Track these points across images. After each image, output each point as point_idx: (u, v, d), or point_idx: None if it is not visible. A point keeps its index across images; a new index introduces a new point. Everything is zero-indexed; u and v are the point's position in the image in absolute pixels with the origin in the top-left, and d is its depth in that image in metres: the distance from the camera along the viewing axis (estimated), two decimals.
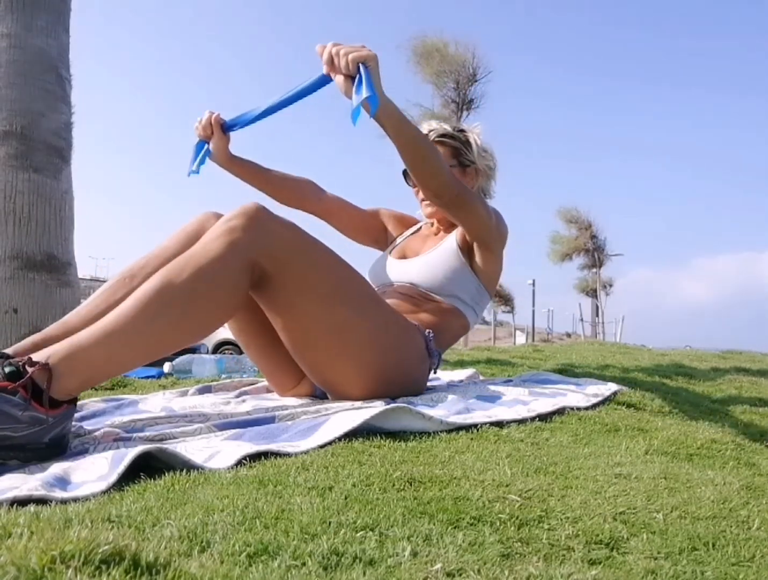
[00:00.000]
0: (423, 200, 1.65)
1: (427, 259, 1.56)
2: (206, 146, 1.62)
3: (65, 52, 2.93)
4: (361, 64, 1.16)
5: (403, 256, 1.66)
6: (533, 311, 23.33)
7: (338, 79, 1.20)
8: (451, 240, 1.56)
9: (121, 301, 1.03)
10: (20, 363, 0.88)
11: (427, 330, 1.43)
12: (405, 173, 1.65)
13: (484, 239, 1.51)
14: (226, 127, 1.59)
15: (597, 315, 24.29)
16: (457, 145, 1.60)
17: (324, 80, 1.27)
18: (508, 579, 0.49)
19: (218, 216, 1.30)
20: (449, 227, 1.66)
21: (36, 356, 0.91)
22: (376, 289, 1.61)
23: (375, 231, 1.83)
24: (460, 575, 0.50)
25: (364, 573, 0.49)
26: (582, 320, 24.49)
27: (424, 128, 1.62)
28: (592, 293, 24.66)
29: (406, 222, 1.83)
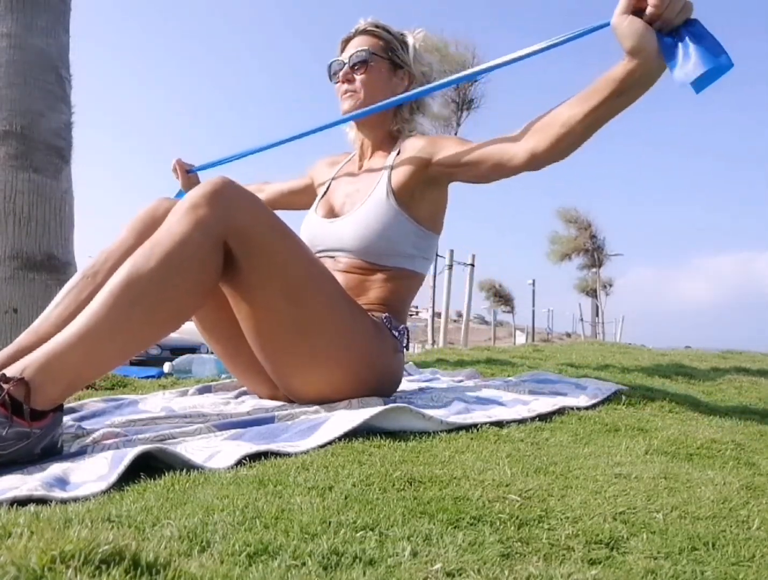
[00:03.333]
0: (344, 94, 1.48)
1: (357, 220, 1.38)
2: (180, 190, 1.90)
3: (65, 52, 2.93)
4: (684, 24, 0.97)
5: (330, 212, 1.50)
6: (533, 311, 23.37)
7: (634, 20, 1.02)
8: (381, 187, 1.39)
9: (88, 299, 0.98)
10: None
11: (384, 315, 1.34)
12: (330, 67, 1.52)
13: (473, 181, 1.36)
14: (192, 170, 1.87)
15: (597, 315, 24.32)
16: (390, 39, 1.47)
17: (602, 25, 1.09)
18: (508, 579, 0.49)
19: (170, 200, 1.28)
20: (378, 144, 1.51)
21: (10, 371, 0.87)
22: None
23: (313, 196, 1.67)
24: (460, 575, 0.50)
25: (364, 573, 0.49)
26: (582, 319, 24.52)
27: (360, 23, 1.49)
28: (592, 293, 24.69)
29: (333, 161, 1.67)
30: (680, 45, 0.97)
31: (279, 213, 1.18)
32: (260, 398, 1.43)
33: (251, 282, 1.11)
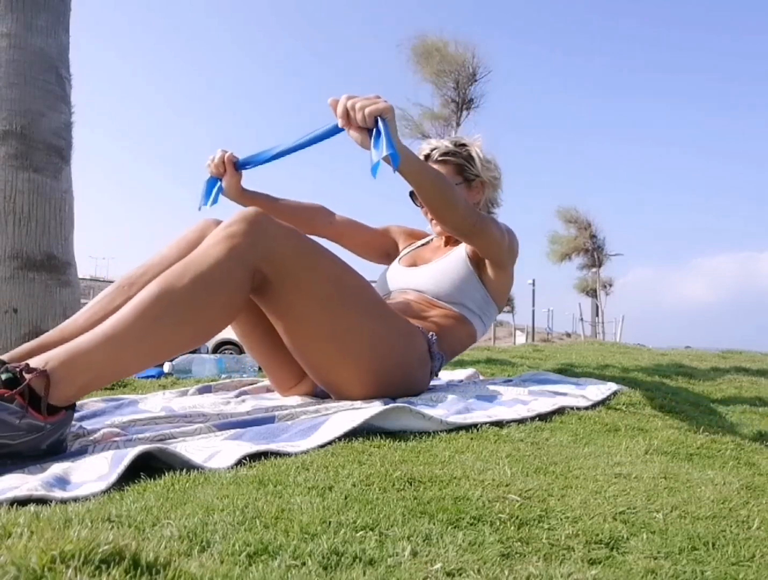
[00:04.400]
0: (432, 220, 1.66)
1: (436, 267, 1.58)
2: (219, 183, 1.63)
3: (65, 51, 2.93)
4: (378, 118, 1.15)
5: (413, 265, 1.68)
6: (533, 311, 23.37)
7: (353, 133, 1.19)
8: (461, 250, 1.58)
9: (119, 307, 1.02)
10: (17, 370, 0.87)
11: (431, 332, 1.44)
12: (412, 194, 1.66)
13: (497, 260, 1.53)
14: (238, 166, 1.61)
15: (597, 315, 24.31)
16: (461, 161, 1.61)
17: (338, 130, 1.26)
18: (508, 579, 0.49)
19: (218, 223, 1.30)
20: (458, 241, 1.67)
21: (33, 362, 0.90)
22: (383, 295, 1.62)
23: (386, 248, 1.85)
24: (460, 574, 0.50)
25: (364, 573, 0.49)
26: (582, 319, 24.51)
27: (425, 149, 1.63)
28: (592, 293, 24.68)
29: (416, 236, 1.87)
30: (372, 141, 1.16)
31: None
32: (281, 393, 1.52)
33: (286, 301, 1.19)
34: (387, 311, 1.34)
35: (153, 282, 1.03)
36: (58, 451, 0.91)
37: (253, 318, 1.38)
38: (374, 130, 1.16)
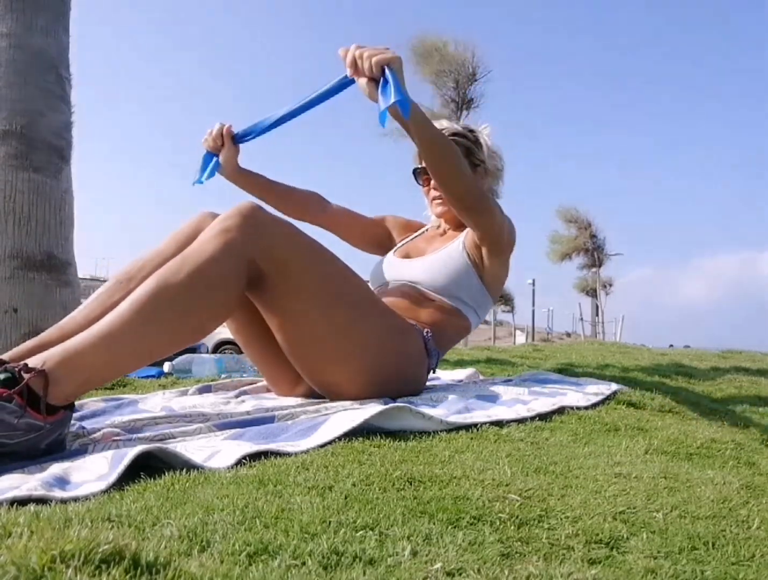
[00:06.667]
0: (434, 199, 1.65)
1: (432, 259, 1.55)
2: (215, 159, 1.60)
3: (65, 51, 2.93)
4: (386, 67, 1.16)
5: (407, 256, 1.66)
6: (533, 311, 23.38)
7: (361, 82, 1.20)
8: (458, 242, 1.56)
9: (117, 304, 1.02)
10: (16, 369, 0.87)
11: (426, 329, 1.43)
12: (415, 172, 1.66)
13: (494, 245, 1.51)
14: (236, 139, 1.58)
15: (597, 315, 24.31)
16: (468, 144, 1.60)
17: (347, 82, 1.27)
18: (508, 579, 0.49)
19: (214, 216, 1.29)
20: (457, 228, 1.66)
21: (32, 362, 0.89)
22: (377, 287, 1.61)
23: (381, 239, 1.83)
24: (460, 574, 0.50)
25: (364, 573, 0.49)
26: (582, 319, 24.51)
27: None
28: (592, 293, 24.67)
29: (411, 227, 1.84)
30: (380, 89, 1.17)
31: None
32: (280, 395, 1.49)
33: (281, 297, 1.18)
34: (383, 309, 1.33)
35: (150, 278, 1.02)
36: (57, 450, 0.91)
37: (248, 317, 1.37)
38: (381, 80, 1.16)
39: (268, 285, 1.16)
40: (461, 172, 1.32)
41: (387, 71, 1.16)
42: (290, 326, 1.23)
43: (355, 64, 1.19)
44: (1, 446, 0.83)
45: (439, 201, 1.64)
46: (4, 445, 0.83)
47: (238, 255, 1.08)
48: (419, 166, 1.66)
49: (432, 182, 1.64)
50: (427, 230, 1.78)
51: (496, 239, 1.49)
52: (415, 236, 1.77)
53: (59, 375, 0.90)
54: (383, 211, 1.93)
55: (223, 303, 1.09)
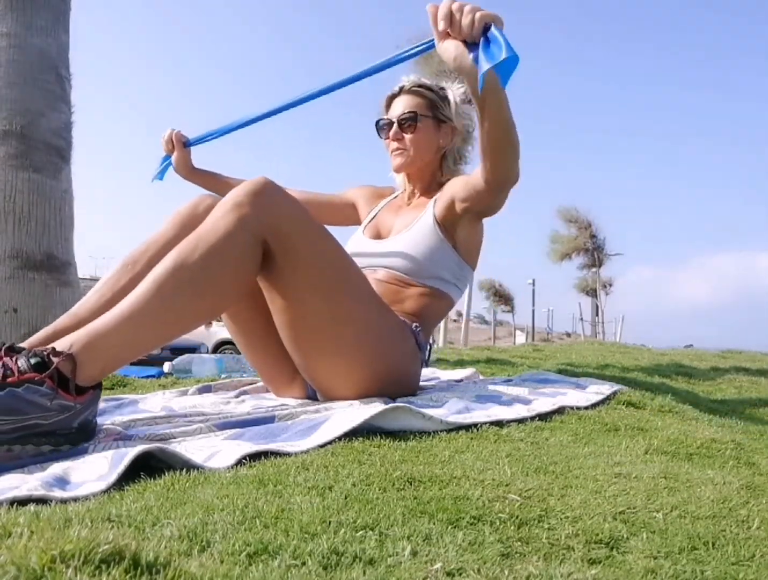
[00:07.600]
0: (394, 151, 1.58)
1: (404, 240, 1.49)
2: (168, 160, 1.82)
3: (65, 51, 2.93)
4: (492, 25, 1.03)
5: (377, 235, 1.60)
6: (533, 311, 23.42)
7: (448, 45, 1.09)
8: (428, 215, 1.49)
9: (125, 287, 1.05)
10: (45, 353, 0.90)
11: (414, 324, 1.41)
12: (378, 124, 1.61)
13: (485, 213, 1.45)
14: (188, 143, 1.78)
15: (597, 315, 24.33)
16: (434, 97, 1.55)
17: (425, 48, 1.17)
18: (508, 579, 0.49)
19: (211, 196, 1.36)
20: (425, 191, 1.60)
21: (59, 346, 0.93)
22: None
23: (354, 218, 1.76)
24: (460, 574, 0.50)
25: (364, 573, 0.49)
26: (582, 319, 24.54)
27: (402, 81, 1.59)
28: (592, 293, 24.69)
29: (380, 194, 1.76)
30: (481, 49, 1.04)
31: None
32: (277, 395, 1.49)
33: (287, 277, 1.17)
34: (380, 303, 1.31)
35: (166, 258, 1.04)
36: (88, 430, 0.95)
37: (248, 316, 1.37)
38: (482, 40, 1.03)
39: (276, 264, 1.14)
40: (517, 155, 1.25)
41: (494, 29, 1.02)
42: (292, 309, 1.21)
43: (450, 19, 1.07)
44: (37, 427, 0.86)
45: (398, 152, 1.57)
46: (40, 425, 0.87)
47: (250, 229, 1.08)
48: (384, 118, 1.61)
49: (392, 134, 1.57)
50: (396, 198, 1.70)
51: (491, 209, 1.44)
52: (383, 206, 1.70)
53: (86, 358, 0.93)
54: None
55: (238, 279, 1.10)
